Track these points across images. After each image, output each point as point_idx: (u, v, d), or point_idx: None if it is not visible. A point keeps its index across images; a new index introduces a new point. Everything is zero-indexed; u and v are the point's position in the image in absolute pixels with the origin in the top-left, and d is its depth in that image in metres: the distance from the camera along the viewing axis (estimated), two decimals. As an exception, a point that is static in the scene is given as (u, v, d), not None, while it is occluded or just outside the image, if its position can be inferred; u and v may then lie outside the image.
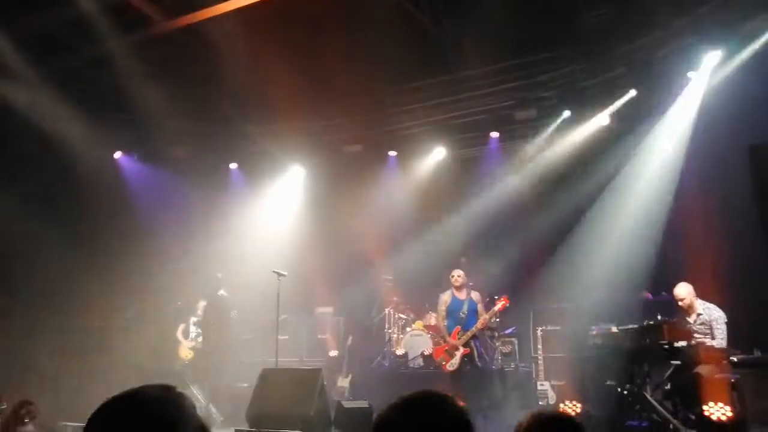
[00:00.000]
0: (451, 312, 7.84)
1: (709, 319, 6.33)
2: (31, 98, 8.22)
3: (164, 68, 9.08)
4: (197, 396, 8.39)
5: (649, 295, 7.89)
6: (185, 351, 9.07)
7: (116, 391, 1.33)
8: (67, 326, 8.62)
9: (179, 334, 9.18)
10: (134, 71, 8.56)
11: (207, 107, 10.12)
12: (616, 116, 8.91)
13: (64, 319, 8.64)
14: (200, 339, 9.06)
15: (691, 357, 5.75)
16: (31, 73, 8.04)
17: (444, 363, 7.64)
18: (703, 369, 5.65)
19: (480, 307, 7.77)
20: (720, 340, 6.20)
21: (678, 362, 5.90)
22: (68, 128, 8.82)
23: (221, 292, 8.80)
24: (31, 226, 8.24)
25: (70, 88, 8.74)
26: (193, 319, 9.22)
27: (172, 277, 9.71)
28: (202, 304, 9.27)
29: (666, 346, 5.82)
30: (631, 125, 8.84)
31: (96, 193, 9.32)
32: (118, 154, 10.43)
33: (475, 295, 7.87)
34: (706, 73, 7.88)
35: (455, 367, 7.54)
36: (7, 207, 8.10)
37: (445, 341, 7.78)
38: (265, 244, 10.83)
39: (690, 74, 8.05)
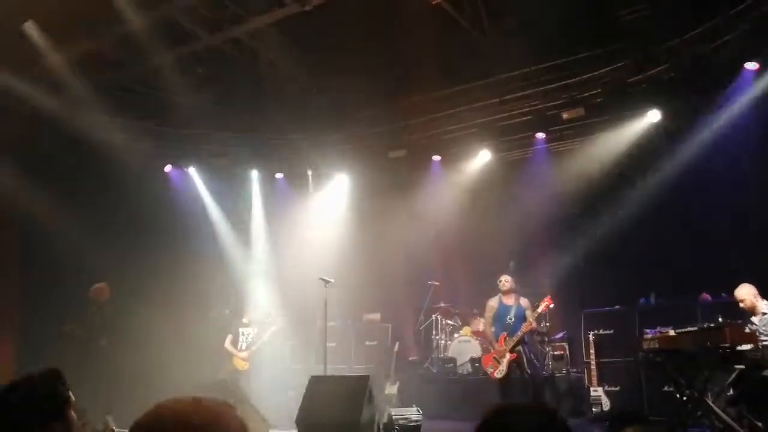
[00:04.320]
0: (499, 318, 7.70)
1: None
2: (84, 114, 8.52)
3: (210, 81, 9.29)
4: (253, 405, 8.47)
5: (708, 297, 7.56)
6: (240, 362, 9.13)
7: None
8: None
9: (228, 345, 9.22)
10: (181, 85, 8.77)
11: (252, 118, 10.29)
12: (668, 112, 8.60)
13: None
14: (254, 348, 9.13)
15: (758, 361, 5.45)
16: (83, 90, 8.35)
17: (492, 371, 7.51)
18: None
19: (528, 312, 7.60)
20: None
21: (742, 366, 5.62)
22: (120, 143, 9.12)
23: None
24: (86, 238, 8.53)
25: (121, 103, 9.04)
26: (241, 330, 9.28)
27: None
28: (252, 314, 9.34)
29: (728, 350, 5.55)
30: (683, 121, 8.53)
31: (149, 205, 9.56)
32: (168, 167, 10.71)
33: (523, 302, 7.71)
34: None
35: (503, 374, 7.40)
36: (64, 222, 8.43)
37: (492, 348, 7.65)
38: (311, 252, 10.92)
39: (747, 65, 7.72)
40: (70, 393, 2.27)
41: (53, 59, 7.95)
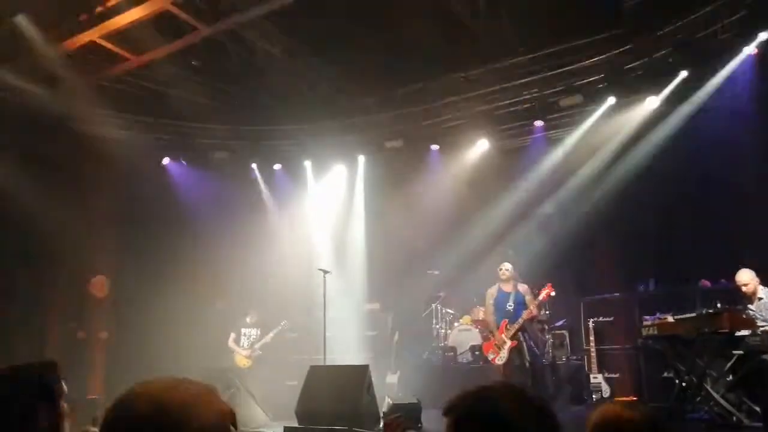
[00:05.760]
0: (498, 305, 7.72)
1: None
2: (80, 107, 8.47)
3: (206, 72, 9.23)
4: (253, 395, 8.50)
5: (708, 283, 7.55)
6: (243, 360, 9.15)
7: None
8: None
9: (231, 343, 9.23)
10: (177, 77, 8.71)
11: (249, 109, 10.24)
12: (668, 98, 8.55)
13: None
14: (256, 346, 9.13)
15: (756, 346, 5.44)
16: (79, 83, 8.29)
17: (493, 357, 7.54)
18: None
19: (528, 299, 7.62)
20: None
21: (740, 352, 5.62)
22: (117, 136, 9.08)
23: None
24: (87, 231, 8.52)
25: (116, 96, 8.99)
26: (244, 330, 9.28)
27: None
28: (256, 315, 9.33)
29: (727, 335, 5.55)
30: (682, 106, 8.48)
31: (148, 199, 9.54)
32: (166, 160, 10.67)
33: (522, 288, 7.72)
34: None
35: (504, 360, 7.42)
36: (66, 214, 8.40)
37: (493, 336, 7.67)
38: (310, 243, 10.93)
39: (746, 49, 7.67)
40: (63, 384, 2.31)
41: (47, 52, 7.88)
